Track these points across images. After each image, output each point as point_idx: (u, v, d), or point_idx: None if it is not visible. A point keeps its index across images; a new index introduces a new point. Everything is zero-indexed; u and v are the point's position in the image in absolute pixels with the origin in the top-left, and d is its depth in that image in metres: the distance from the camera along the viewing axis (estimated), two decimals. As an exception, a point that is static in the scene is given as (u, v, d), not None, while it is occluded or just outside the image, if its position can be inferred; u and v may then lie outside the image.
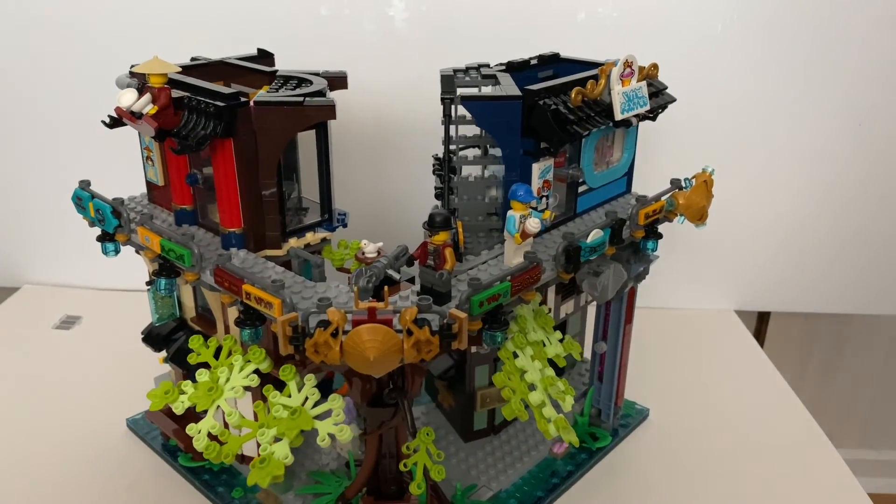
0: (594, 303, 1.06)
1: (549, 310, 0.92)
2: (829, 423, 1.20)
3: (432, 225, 0.74)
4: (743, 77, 1.34)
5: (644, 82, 0.91)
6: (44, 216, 1.47)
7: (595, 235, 0.83)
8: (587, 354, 1.15)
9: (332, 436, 0.75)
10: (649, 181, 1.05)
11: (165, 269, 0.84)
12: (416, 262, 0.78)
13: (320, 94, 0.85)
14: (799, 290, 1.53)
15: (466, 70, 0.98)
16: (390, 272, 0.77)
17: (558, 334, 0.85)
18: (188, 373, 0.88)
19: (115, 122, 0.84)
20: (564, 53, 1.06)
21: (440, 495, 0.90)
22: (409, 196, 1.37)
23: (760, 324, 1.61)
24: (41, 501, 0.97)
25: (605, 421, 1.09)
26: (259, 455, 0.74)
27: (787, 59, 1.33)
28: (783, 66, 1.33)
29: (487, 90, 0.95)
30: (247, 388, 0.80)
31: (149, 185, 0.97)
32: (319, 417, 0.76)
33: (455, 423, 1.07)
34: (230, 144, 0.80)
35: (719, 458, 1.08)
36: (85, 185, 0.92)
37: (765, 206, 1.44)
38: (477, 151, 1.00)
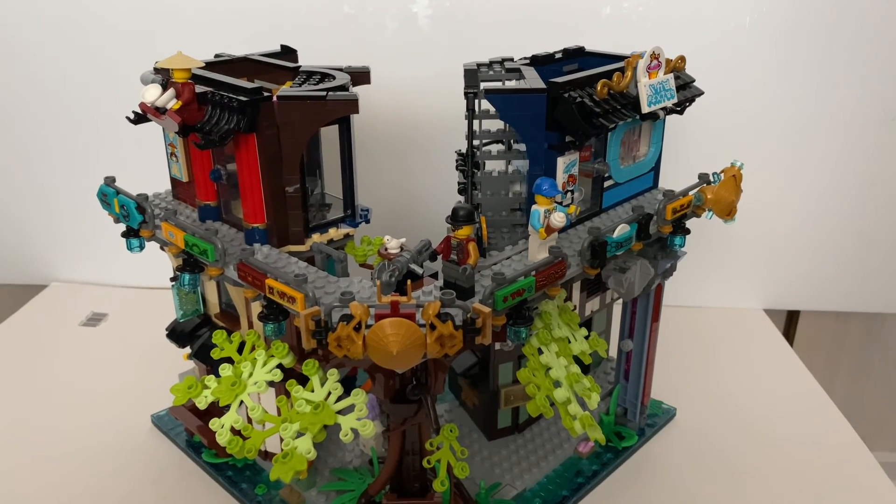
0: (620, 300, 1.05)
1: (574, 307, 0.90)
2: (862, 425, 1.17)
3: (456, 219, 0.74)
4: (772, 71, 1.32)
5: (671, 75, 0.89)
6: (71, 214, 1.49)
7: (622, 230, 0.82)
8: (612, 353, 1.13)
9: (354, 431, 0.74)
10: (675, 176, 1.03)
11: (189, 265, 0.84)
12: (440, 257, 0.77)
13: (343, 88, 0.84)
14: (830, 289, 1.49)
15: (490, 64, 0.97)
16: (413, 267, 0.76)
17: (584, 331, 0.84)
18: (212, 368, 0.89)
19: (139, 118, 0.85)
20: (589, 48, 1.05)
21: (464, 493, 0.90)
22: (431, 192, 1.36)
23: (789, 323, 1.58)
24: (66, 497, 0.97)
25: (632, 420, 1.08)
26: (282, 450, 0.73)
27: (818, 51, 1.30)
28: (813, 60, 1.31)
29: (511, 84, 0.94)
30: (270, 383, 0.80)
31: (173, 181, 0.97)
32: (342, 412, 0.75)
33: (479, 422, 1.06)
34: (253, 139, 0.80)
35: (748, 460, 1.05)
36: (110, 181, 0.92)
37: (794, 203, 1.41)
38: (500, 146, 0.99)
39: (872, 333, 1.60)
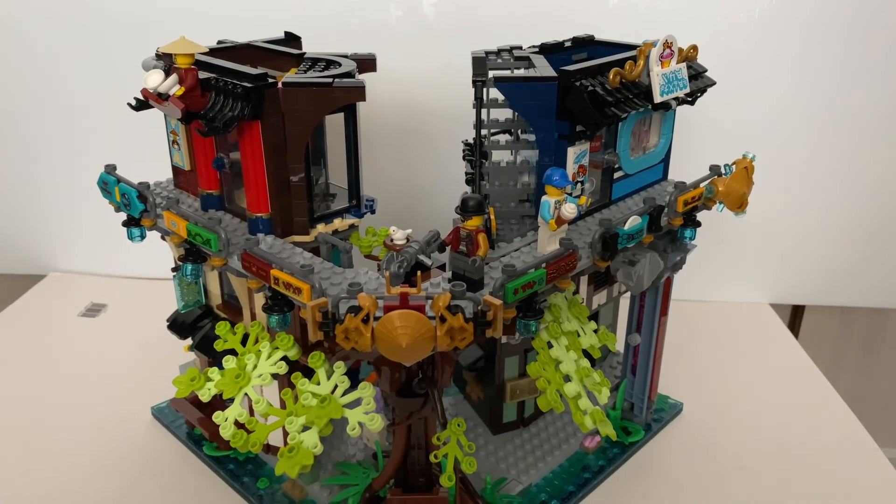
0: (626, 294, 1.03)
1: (583, 300, 0.89)
2: (869, 420, 1.16)
3: (465, 209, 0.72)
4: (781, 63, 1.30)
5: (683, 64, 0.88)
6: (70, 204, 1.47)
7: (633, 222, 0.81)
8: (619, 346, 1.12)
9: (361, 425, 0.73)
10: (683, 168, 1.01)
11: (192, 255, 0.83)
12: (448, 249, 0.76)
13: (349, 75, 0.83)
14: (835, 284, 1.48)
15: (498, 52, 0.96)
16: (421, 258, 0.75)
17: (593, 324, 0.83)
18: (214, 360, 0.87)
19: (141, 105, 0.83)
20: (598, 37, 1.03)
21: (469, 489, 0.88)
22: (437, 182, 1.34)
23: (794, 317, 1.57)
24: (66, 489, 0.96)
25: (638, 415, 1.06)
26: (286, 444, 0.72)
27: (829, 45, 1.28)
28: (823, 53, 1.29)
29: (521, 72, 0.92)
30: (274, 376, 0.78)
31: (175, 169, 0.96)
32: (349, 406, 0.74)
33: (484, 416, 1.05)
34: (258, 127, 0.78)
35: (755, 455, 1.04)
36: (111, 169, 0.91)
37: (800, 197, 1.40)
38: (508, 136, 0.97)
39: (877, 328, 1.59)
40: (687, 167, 1.00)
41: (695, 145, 1.24)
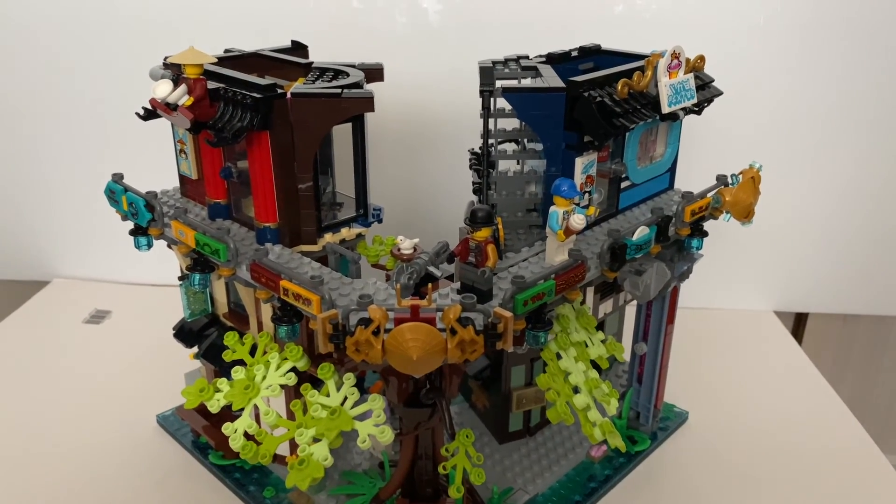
0: (632, 302, 1.03)
1: (589, 309, 0.89)
2: (873, 427, 1.16)
3: (474, 220, 0.72)
4: (785, 71, 1.30)
5: (691, 74, 0.88)
6: (75, 210, 1.47)
7: (641, 233, 0.81)
8: (625, 355, 1.12)
9: (371, 437, 0.73)
10: (688, 176, 1.01)
11: (200, 264, 0.83)
12: (456, 259, 0.76)
13: (358, 86, 0.83)
14: (838, 292, 1.48)
15: (505, 62, 0.96)
16: (431, 269, 0.75)
17: (601, 335, 0.83)
18: (221, 369, 0.87)
19: (149, 115, 0.83)
20: (604, 46, 1.03)
21: (476, 498, 0.88)
22: (443, 191, 1.34)
23: (798, 325, 1.57)
24: (70, 496, 0.96)
25: (644, 424, 1.06)
26: (295, 455, 0.72)
27: (834, 52, 1.29)
28: (829, 60, 1.29)
29: (528, 82, 0.92)
30: (283, 387, 0.78)
31: (182, 178, 0.95)
32: (359, 418, 0.74)
33: (489, 424, 1.05)
34: (266, 137, 0.78)
35: (761, 463, 1.04)
36: (118, 178, 0.91)
37: (805, 206, 1.40)
38: (515, 145, 0.97)
39: (880, 336, 1.59)
40: (691, 175, 1.00)
41: (699, 153, 1.24)
